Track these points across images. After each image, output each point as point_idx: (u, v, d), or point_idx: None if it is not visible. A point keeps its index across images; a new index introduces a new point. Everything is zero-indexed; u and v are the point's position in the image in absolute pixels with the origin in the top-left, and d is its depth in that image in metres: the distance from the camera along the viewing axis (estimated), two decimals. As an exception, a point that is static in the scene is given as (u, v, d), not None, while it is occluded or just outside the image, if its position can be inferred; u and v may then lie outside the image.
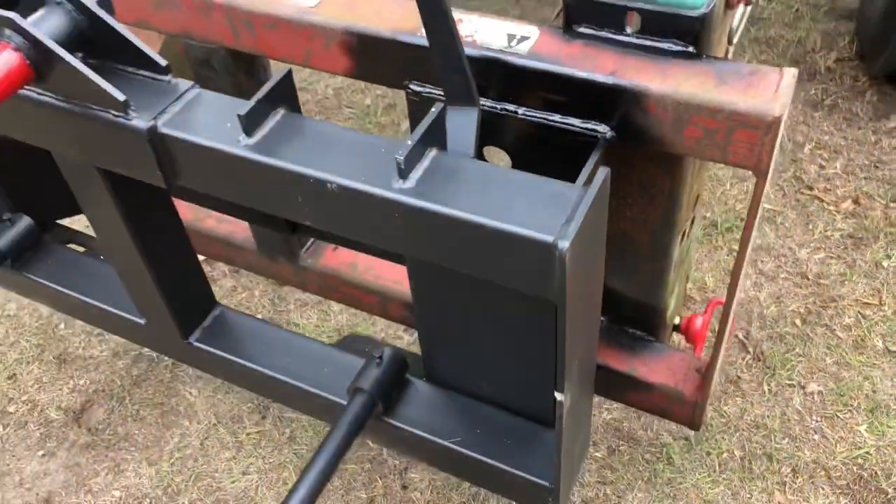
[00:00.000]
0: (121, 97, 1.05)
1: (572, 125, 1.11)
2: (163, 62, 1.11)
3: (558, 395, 1.07)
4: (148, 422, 2.05)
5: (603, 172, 0.94)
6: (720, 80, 1.05)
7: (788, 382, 1.98)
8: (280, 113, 1.06)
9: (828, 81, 2.82)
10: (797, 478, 1.81)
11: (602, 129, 1.10)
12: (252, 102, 1.03)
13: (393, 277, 1.71)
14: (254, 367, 1.45)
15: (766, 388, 1.98)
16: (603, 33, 1.12)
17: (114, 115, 1.07)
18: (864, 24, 2.90)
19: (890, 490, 1.78)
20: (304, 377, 1.42)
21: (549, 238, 0.87)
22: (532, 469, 1.27)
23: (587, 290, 1.01)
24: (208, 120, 1.07)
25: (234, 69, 1.45)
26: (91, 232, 1.51)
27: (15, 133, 1.25)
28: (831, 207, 2.40)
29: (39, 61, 1.06)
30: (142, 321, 1.53)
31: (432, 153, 0.99)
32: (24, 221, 1.67)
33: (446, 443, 1.32)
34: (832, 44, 2.96)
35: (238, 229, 1.81)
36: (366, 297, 1.71)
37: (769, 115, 1.00)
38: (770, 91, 1.02)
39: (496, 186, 0.95)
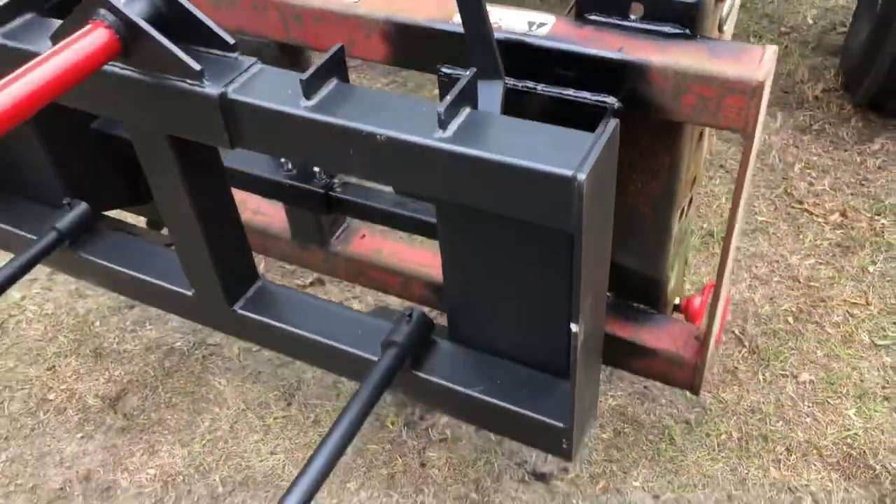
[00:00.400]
0: (197, 67, 1.22)
1: (585, 98, 1.28)
2: (231, 40, 1.28)
3: (573, 327, 1.22)
4: (180, 408, 2.18)
5: (613, 122, 1.10)
6: (713, 55, 1.22)
7: (782, 372, 2.12)
8: (334, 82, 1.23)
9: (815, 109, 3.02)
10: (791, 456, 1.94)
11: (611, 100, 1.27)
12: (311, 70, 1.20)
13: (415, 260, 1.87)
14: (295, 331, 1.59)
15: (760, 377, 2.11)
16: (610, 20, 1.29)
17: (189, 83, 1.24)
18: (847, 59, 3.11)
19: (877, 466, 1.90)
20: (341, 338, 1.56)
21: (569, 172, 1.03)
22: (548, 412, 1.40)
23: (600, 225, 1.17)
24: (271, 88, 1.24)
25: (282, 61, 1.63)
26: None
27: (94, 106, 1.42)
28: (820, 219, 2.57)
29: (127, 38, 1.23)
30: (189, 293, 1.68)
31: (466, 110, 1.16)
32: (81, 206, 1.82)
33: (470, 391, 1.46)
34: (819, 76, 3.17)
35: (273, 221, 1.97)
36: (390, 279, 1.86)
37: (754, 81, 1.16)
38: (755, 63, 1.19)
39: (522, 134, 1.12)
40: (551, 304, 1.36)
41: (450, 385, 1.48)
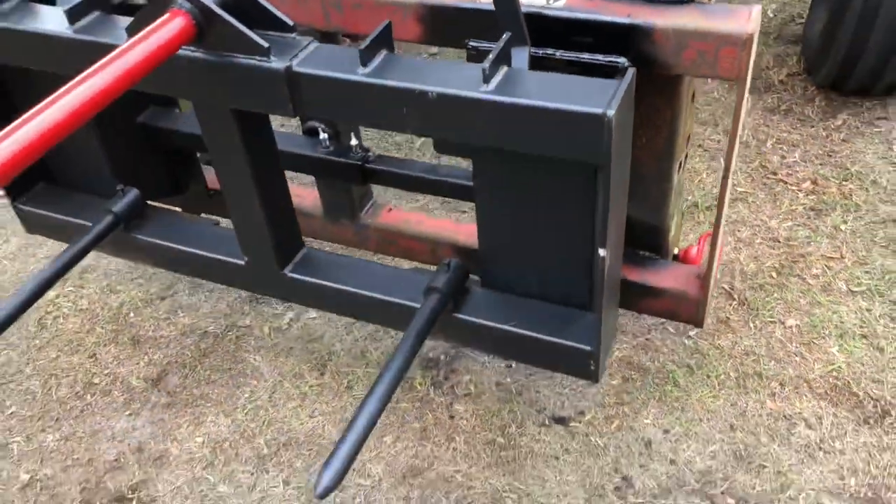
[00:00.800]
0: (265, 44, 1.41)
1: (598, 60, 1.49)
2: (290, 22, 1.48)
3: (601, 251, 1.42)
4: (219, 383, 2.34)
5: (631, 70, 1.31)
6: (707, 15, 1.43)
7: (770, 319, 2.34)
8: (384, 52, 1.43)
9: (781, 92, 3.27)
10: (784, 389, 2.15)
11: (621, 60, 1.47)
12: (367, 42, 1.40)
13: (440, 227, 2.06)
14: (343, 288, 1.77)
15: (751, 325, 2.33)
16: (619, -2, 1.51)
17: (258, 60, 1.43)
18: (807, 46, 3.38)
19: (860, 393, 2.12)
20: (386, 291, 1.74)
21: (600, 110, 1.24)
22: (576, 338, 1.60)
23: (623, 159, 1.37)
24: (329, 60, 1.43)
25: (320, 47, 1.82)
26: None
27: (164, 88, 1.60)
28: (794, 187, 2.81)
29: (202, 23, 1.42)
30: (241, 261, 1.85)
31: (504, 68, 1.36)
32: (133, 192, 1.99)
33: (505, 326, 1.65)
34: (782, 63, 3.43)
35: (305, 201, 2.15)
36: (418, 245, 2.05)
37: (745, 34, 1.38)
38: (744, 19, 1.41)
39: (554, 84, 1.32)
40: (575, 243, 1.56)
41: (487, 323, 1.67)
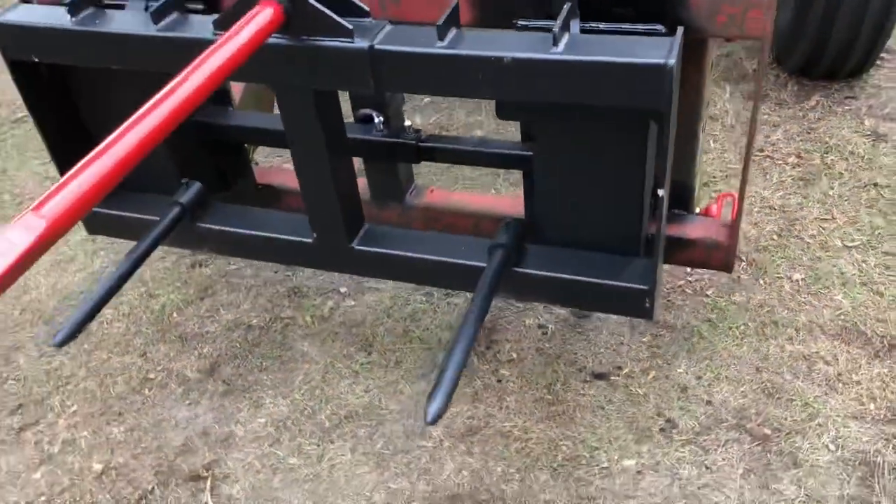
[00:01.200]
0: (349, 26, 1.58)
1: (638, 28, 1.69)
2: (365, 8, 1.65)
3: (660, 192, 1.61)
4: (272, 370, 2.47)
5: (681, 29, 1.51)
6: (730, -16, 1.64)
7: (777, 275, 2.56)
8: (454, 29, 1.61)
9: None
10: (799, 334, 2.36)
11: (659, 27, 1.67)
12: (443, 19, 1.57)
13: (481, 203, 2.23)
14: (411, 255, 1.92)
15: (761, 281, 2.54)
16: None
17: (342, 41, 1.60)
18: (777, 37, 3.65)
19: (868, 332, 2.34)
20: (451, 255, 1.91)
21: (661, 61, 1.43)
22: (632, 279, 1.78)
23: (674, 108, 1.56)
24: (406, 38, 1.61)
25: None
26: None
27: (252, 75, 1.75)
28: (780, 162, 3.05)
29: (290, 11, 1.58)
30: (310, 239, 2.00)
31: (567, 33, 1.55)
32: (196, 185, 2.13)
33: (566, 275, 1.82)
34: (754, 55, 3.70)
35: (353, 186, 2.31)
36: (462, 220, 2.22)
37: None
38: (766, -15, 1.62)
39: (616, 42, 1.51)
40: (626, 192, 1.75)
41: (548, 274, 1.84)
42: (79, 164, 1.18)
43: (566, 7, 1.57)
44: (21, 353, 2.63)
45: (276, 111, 1.92)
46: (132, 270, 1.95)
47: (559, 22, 1.52)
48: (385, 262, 1.97)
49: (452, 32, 1.60)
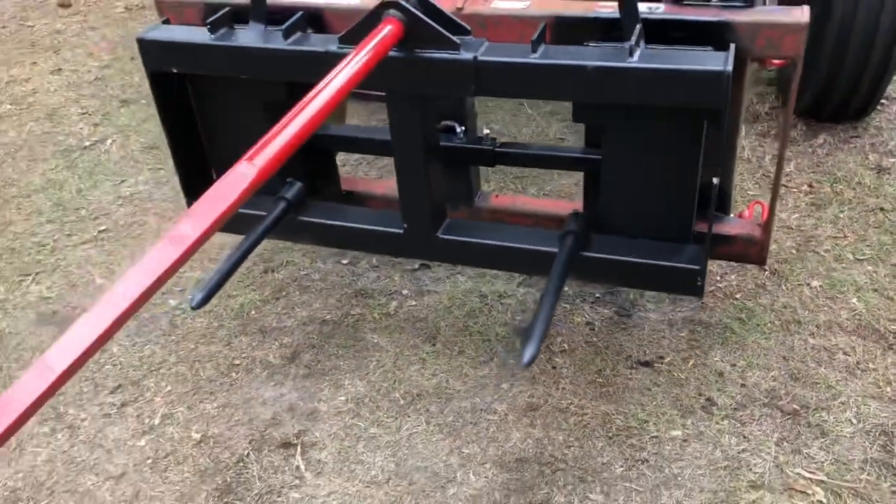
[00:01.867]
0: (457, 41, 1.92)
1: (692, 50, 2.03)
2: (467, 27, 1.99)
3: (715, 179, 1.93)
4: (347, 357, 2.74)
5: (732, 46, 1.85)
6: (770, 13, 1.99)
7: (798, 283, 2.87)
8: (543, 45, 1.95)
9: (768, 121, 3.90)
10: (820, 330, 2.66)
11: (708, 48, 2.01)
12: (535, 36, 1.91)
13: (541, 205, 2.55)
14: (490, 243, 2.23)
15: (784, 287, 2.85)
16: (698, 3, 2.06)
17: (450, 54, 1.94)
18: (781, 83, 4.04)
19: (882, 329, 2.64)
20: (527, 242, 2.21)
21: (721, 68, 1.77)
22: (685, 261, 2.09)
23: (728, 110, 1.89)
24: (503, 51, 1.95)
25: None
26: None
27: (370, 84, 2.08)
28: (794, 190, 3.39)
29: (409, 27, 1.92)
30: (400, 230, 2.30)
31: (640, 48, 1.89)
32: (297, 184, 2.44)
33: (626, 258, 2.13)
34: (764, 99, 4.08)
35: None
36: (525, 220, 2.51)
37: (802, 22, 1.93)
38: (799, 14, 1.96)
39: (681, 54, 1.85)
40: (682, 185, 2.07)
41: (612, 257, 2.15)
42: (261, 141, 1.49)
43: (637, 28, 1.91)
44: (113, 342, 2.90)
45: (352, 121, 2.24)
46: (251, 249, 2.25)
47: (633, 40, 1.86)
48: (466, 249, 2.27)
49: (542, 47, 1.94)
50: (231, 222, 2.50)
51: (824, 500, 2.13)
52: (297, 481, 2.34)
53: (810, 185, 3.40)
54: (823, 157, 3.58)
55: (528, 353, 1.81)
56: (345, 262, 3.18)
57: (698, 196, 2.10)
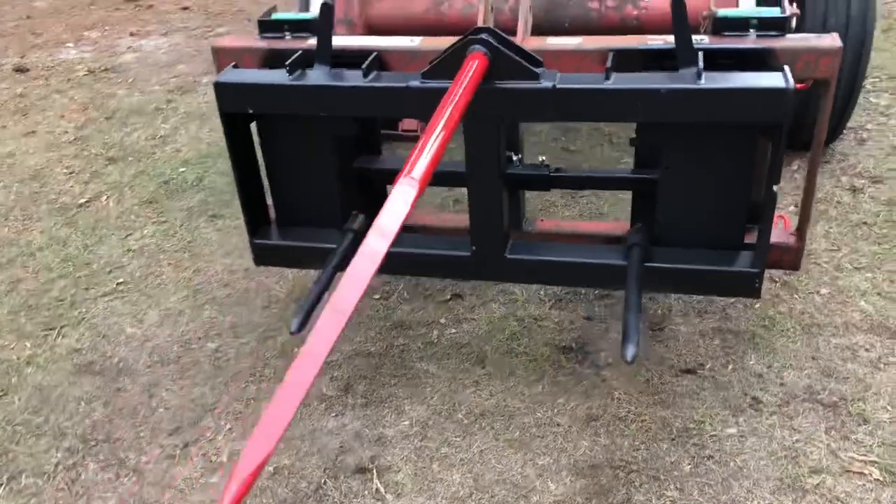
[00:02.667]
0: (538, 70, 2.10)
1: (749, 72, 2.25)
2: (540, 59, 2.17)
3: (775, 187, 2.13)
4: (401, 385, 2.83)
5: (787, 67, 2.08)
6: (804, 40, 2.23)
7: (808, 291, 3.11)
8: (615, 73, 2.14)
9: (744, 151, 4.20)
10: (839, 330, 2.89)
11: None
12: (609, 64, 2.11)
13: (586, 227, 2.72)
14: (557, 259, 2.38)
15: (796, 296, 3.09)
16: (736, 34, 2.29)
17: (530, 83, 2.11)
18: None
19: (893, 327, 2.88)
20: (594, 257, 2.37)
21: (784, 85, 1.99)
22: (744, 265, 2.28)
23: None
24: (577, 79, 2.13)
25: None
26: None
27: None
28: (783, 211, 3.66)
29: (493, 61, 2.09)
30: (467, 253, 2.43)
31: (704, 72, 2.09)
32: (362, 216, 2.55)
33: (691, 266, 2.31)
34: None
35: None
36: (572, 240, 2.68)
37: (836, 46, 2.18)
38: (831, 39, 2.21)
39: (742, 75, 2.07)
40: (736, 196, 2.27)
41: (675, 266, 2.33)
42: (409, 160, 1.63)
43: (701, 55, 2.12)
44: (160, 388, 2.91)
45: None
46: (331, 278, 2.35)
47: (700, 65, 2.07)
48: (535, 267, 2.41)
49: (615, 74, 2.13)
50: (305, 256, 2.62)
51: (881, 479, 2.31)
52: (380, 503, 2.40)
53: (796, 205, 3.68)
54: (801, 181, 3.88)
55: (629, 352, 1.96)
56: (376, 297, 3.28)
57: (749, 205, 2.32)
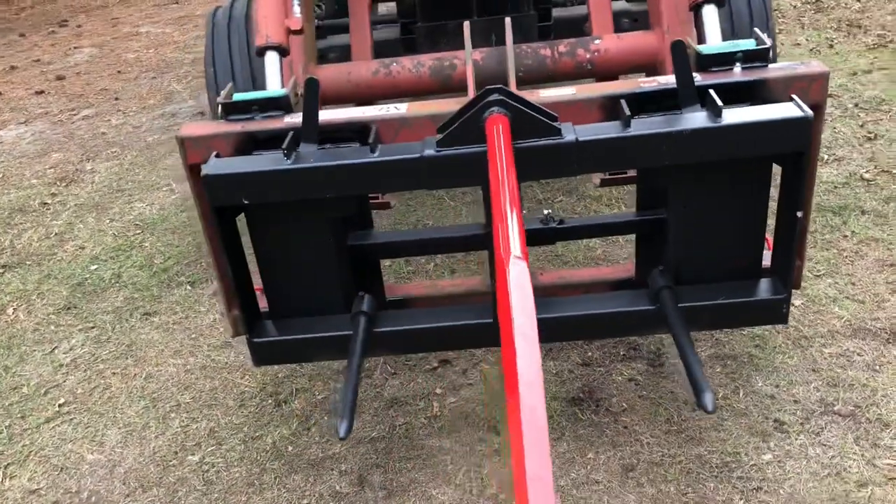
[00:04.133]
0: (559, 124, 2.04)
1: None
2: (556, 115, 2.12)
3: (798, 213, 2.16)
4: (419, 468, 2.65)
5: (796, 97, 2.11)
6: (792, 68, 2.29)
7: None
8: (630, 118, 2.11)
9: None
10: (826, 340, 2.97)
11: (746, 105, 2.28)
12: (627, 112, 2.08)
13: (587, 275, 2.67)
14: (585, 313, 2.30)
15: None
16: (723, 69, 2.32)
17: (553, 139, 2.05)
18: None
19: (871, 328, 3.00)
20: (620, 305, 2.32)
21: (803, 114, 2.02)
22: (769, 293, 2.29)
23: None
24: (597, 130, 2.09)
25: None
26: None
27: (471, 180, 2.11)
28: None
29: (514, 120, 2.01)
30: (490, 320, 2.32)
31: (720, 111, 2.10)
32: (368, 296, 2.38)
33: (715, 301, 2.30)
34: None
35: (470, 282, 2.66)
36: (575, 291, 2.62)
37: (825, 72, 2.25)
38: (819, 66, 2.28)
39: (759, 109, 2.08)
40: (753, 229, 2.29)
41: (701, 303, 2.31)
42: (497, 236, 1.53)
43: (713, 92, 2.13)
44: (148, 517, 2.61)
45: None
46: (360, 368, 2.18)
47: (718, 105, 2.07)
48: (564, 324, 2.33)
49: (632, 119, 2.10)
50: (315, 348, 2.42)
51: (924, 481, 2.37)
52: None
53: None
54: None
55: (709, 400, 1.92)
56: (359, 376, 3.09)
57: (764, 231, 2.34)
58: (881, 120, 4.70)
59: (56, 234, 4.64)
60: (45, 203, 5.08)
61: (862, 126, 4.64)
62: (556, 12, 3.95)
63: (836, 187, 4.00)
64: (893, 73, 5.32)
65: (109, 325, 3.68)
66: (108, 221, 4.71)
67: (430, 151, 2.07)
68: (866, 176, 4.08)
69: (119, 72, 7.84)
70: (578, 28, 3.86)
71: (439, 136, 2.08)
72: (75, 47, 9.04)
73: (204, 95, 6.76)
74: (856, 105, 4.89)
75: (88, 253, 4.37)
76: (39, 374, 3.39)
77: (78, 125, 6.49)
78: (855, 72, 5.42)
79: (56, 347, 3.56)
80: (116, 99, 6.98)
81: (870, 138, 4.48)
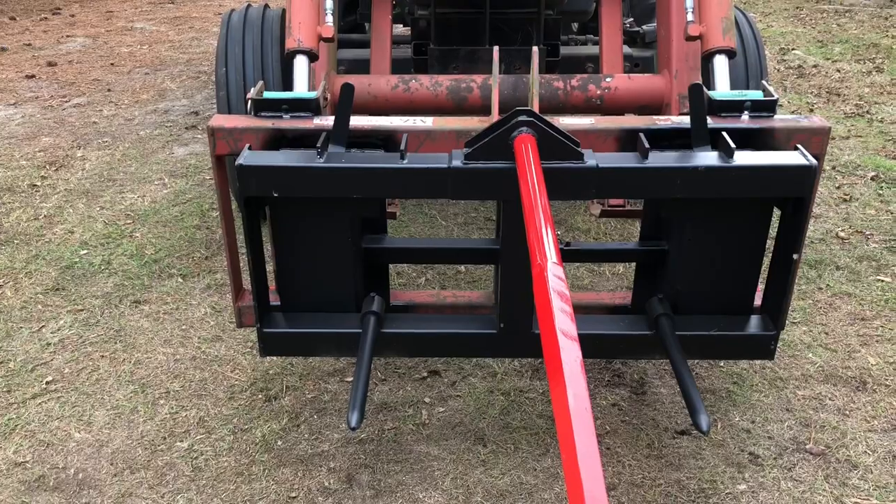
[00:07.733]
0: (581, 150, 2.16)
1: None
2: (577, 140, 2.24)
3: (795, 255, 2.30)
4: (406, 471, 2.72)
5: (801, 147, 2.26)
6: (795, 121, 2.45)
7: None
8: (649, 151, 2.24)
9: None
10: (800, 383, 3.12)
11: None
12: (646, 145, 2.20)
13: (586, 297, 2.78)
14: (591, 332, 2.41)
15: (752, 352, 3.30)
16: (732, 115, 2.48)
17: (576, 162, 2.17)
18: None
19: (843, 376, 3.15)
20: (622, 328, 2.43)
21: (808, 162, 2.17)
22: (760, 329, 2.43)
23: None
24: (616, 159, 2.21)
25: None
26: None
27: (492, 195, 2.21)
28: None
29: (540, 141, 2.13)
30: (495, 331, 2.42)
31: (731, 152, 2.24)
32: (378, 297, 2.46)
33: (709, 332, 2.42)
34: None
35: (475, 295, 2.75)
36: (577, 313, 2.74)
37: (827, 126, 2.41)
38: (820, 120, 2.44)
39: (768, 153, 2.23)
40: (749, 266, 2.43)
41: (697, 333, 2.43)
42: (532, 245, 1.64)
43: (726, 134, 2.27)
44: (136, 498, 2.64)
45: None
46: (370, 365, 2.26)
47: (731, 146, 2.21)
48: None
49: (651, 153, 2.23)
50: (323, 343, 2.49)
51: (887, 520, 2.51)
52: None
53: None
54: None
55: (703, 421, 2.03)
56: (348, 379, 3.16)
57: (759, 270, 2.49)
58: (856, 184, 4.92)
59: (45, 216, 4.64)
60: (35, 185, 5.07)
61: (839, 188, 4.86)
62: (563, 50, 4.11)
63: (812, 242, 4.19)
64: (868, 141, 5.58)
65: (98, 309, 3.70)
66: (98, 209, 4.73)
67: (457, 163, 2.18)
68: (841, 234, 4.27)
69: (112, 64, 7.86)
70: (581, 67, 4.03)
71: (467, 150, 2.18)
72: (68, 36, 9.03)
73: (198, 95, 6.83)
74: (833, 168, 5.12)
75: (78, 238, 4.38)
76: (26, 352, 3.39)
77: (69, 112, 6.49)
78: (833, 137, 5.66)
79: (43, 326, 3.57)
80: (109, 90, 6.99)
81: (845, 200, 4.70)
